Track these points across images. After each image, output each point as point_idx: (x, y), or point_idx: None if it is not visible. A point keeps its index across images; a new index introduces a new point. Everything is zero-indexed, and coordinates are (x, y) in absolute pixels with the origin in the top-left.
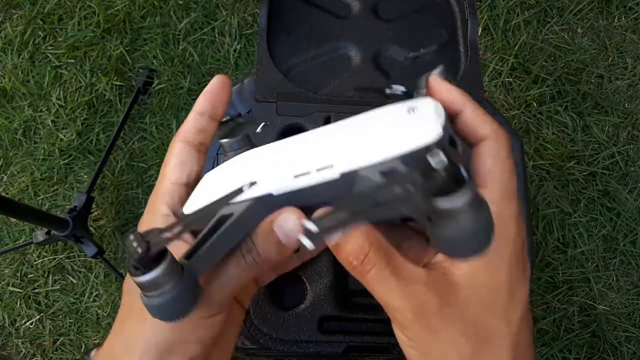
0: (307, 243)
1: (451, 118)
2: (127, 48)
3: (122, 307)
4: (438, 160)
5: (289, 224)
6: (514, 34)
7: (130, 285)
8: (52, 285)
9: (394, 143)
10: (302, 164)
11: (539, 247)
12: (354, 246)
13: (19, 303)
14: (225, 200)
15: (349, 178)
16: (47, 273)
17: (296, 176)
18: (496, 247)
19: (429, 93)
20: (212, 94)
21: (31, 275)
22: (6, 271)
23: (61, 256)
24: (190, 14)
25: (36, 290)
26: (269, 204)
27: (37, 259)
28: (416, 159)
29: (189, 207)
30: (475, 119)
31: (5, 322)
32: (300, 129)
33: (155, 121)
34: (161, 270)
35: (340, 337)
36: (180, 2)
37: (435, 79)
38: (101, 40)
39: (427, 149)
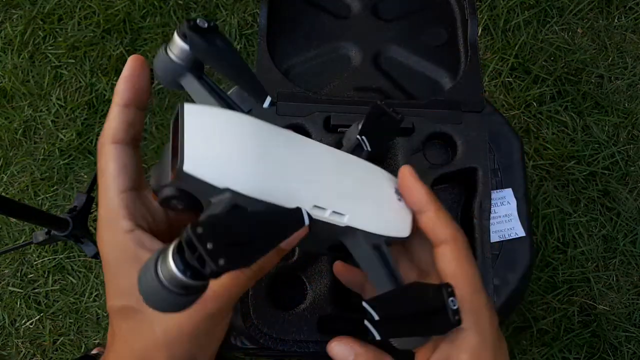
0: None
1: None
2: (127, 48)
3: (118, 335)
4: (454, 303)
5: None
6: (514, 34)
7: (122, 307)
8: (52, 285)
9: (389, 226)
10: (323, 199)
11: (539, 247)
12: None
13: (19, 303)
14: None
15: (348, 230)
16: (47, 273)
17: (315, 206)
18: (479, 338)
19: (399, 184)
20: (132, 79)
21: (31, 275)
22: (6, 271)
23: (61, 256)
24: (190, 14)
25: (36, 290)
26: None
27: (37, 259)
28: (392, 241)
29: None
30: (436, 221)
31: (5, 322)
32: (300, 129)
33: (155, 121)
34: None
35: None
36: (180, 2)
37: (406, 174)
38: (101, 40)
39: (401, 239)
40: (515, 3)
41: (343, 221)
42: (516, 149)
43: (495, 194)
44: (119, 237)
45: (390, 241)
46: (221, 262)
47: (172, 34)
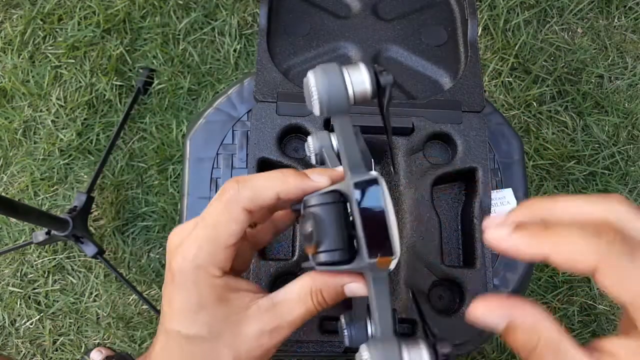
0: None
1: None
2: (127, 48)
3: (183, 355)
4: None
5: (356, 287)
6: (514, 33)
7: (193, 335)
8: (52, 285)
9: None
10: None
11: None
12: (523, 337)
13: (19, 303)
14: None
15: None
16: (47, 273)
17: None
18: None
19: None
20: (302, 191)
21: (31, 275)
22: (6, 271)
23: (61, 256)
24: (190, 13)
25: (36, 290)
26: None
27: (37, 259)
28: None
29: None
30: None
31: (5, 322)
32: (301, 129)
33: (155, 121)
34: None
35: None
36: (180, 2)
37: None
38: (101, 40)
39: None
40: (515, 3)
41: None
42: (516, 149)
43: (495, 194)
44: (210, 280)
45: None
46: None
47: (356, 64)
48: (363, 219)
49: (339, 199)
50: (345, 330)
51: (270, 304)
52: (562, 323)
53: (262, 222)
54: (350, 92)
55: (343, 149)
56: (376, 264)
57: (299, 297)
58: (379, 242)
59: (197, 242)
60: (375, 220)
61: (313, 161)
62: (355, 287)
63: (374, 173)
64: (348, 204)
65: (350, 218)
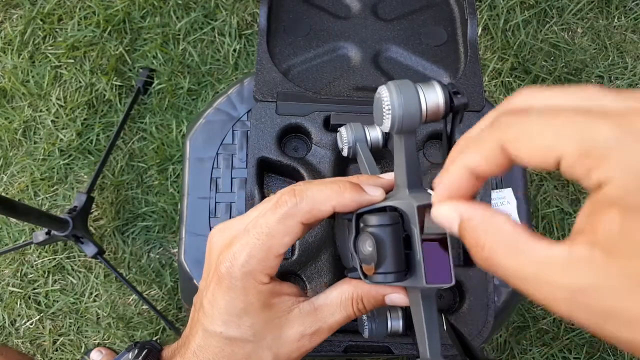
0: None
1: None
2: (127, 48)
3: (224, 355)
4: None
5: (398, 297)
6: (513, 33)
7: (234, 337)
8: (52, 285)
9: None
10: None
11: None
12: (472, 234)
13: (19, 303)
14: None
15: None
16: (47, 273)
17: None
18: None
19: None
20: (358, 205)
21: (31, 275)
22: (6, 271)
23: (61, 256)
24: (190, 14)
25: (36, 290)
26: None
27: (37, 259)
28: None
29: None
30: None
31: (5, 322)
32: (300, 129)
33: (155, 121)
34: None
35: (340, 336)
36: (180, 2)
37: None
38: (101, 40)
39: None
40: (515, 3)
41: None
42: None
43: (495, 194)
44: (258, 286)
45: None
46: None
47: (431, 83)
48: (425, 244)
49: (398, 220)
50: (365, 323)
51: (312, 307)
52: (562, 323)
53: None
54: (424, 110)
55: (404, 167)
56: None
57: (340, 302)
58: (438, 269)
59: (249, 249)
60: (435, 247)
61: (345, 153)
62: (396, 298)
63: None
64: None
65: (404, 235)
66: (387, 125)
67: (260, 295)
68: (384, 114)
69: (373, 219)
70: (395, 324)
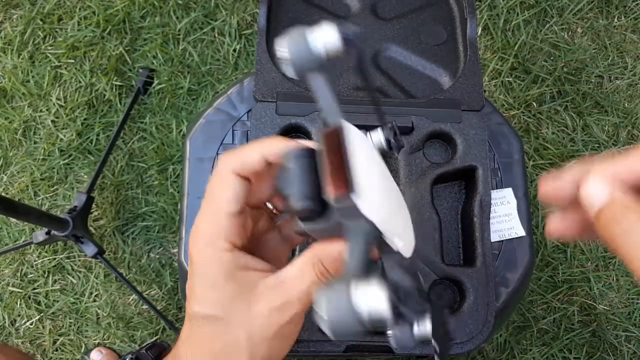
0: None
1: None
2: (127, 48)
3: (199, 336)
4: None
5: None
6: (513, 33)
7: (206, 315)
8: (52, 285)
9: (407, 249)
10: (398, 226)
11: (539, 247)
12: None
13: (19, 303)
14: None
15: (398, 257)
16: (47, 273)
17: (391, 234)
18: None
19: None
20: (281, 156)
21: (31, 275)
22: (6, 271)
23: (61, 256)
24: (190, 13)
25: (36, 290)
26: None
27: (37, 259)
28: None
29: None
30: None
31: (5, 322)
32: (300, 129)
33: (155, 121)
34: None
35: None
36: (180, 2)
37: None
38: (101, 40)
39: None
40: (515, 3)
41: (397, 247)
42: (516, 149)
43: (495, 194)
44: (218, 254)
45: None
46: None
47: (319, 25)
48: (328, 158)
49: (311, 154)
50: (390, 332)
51: (277, 281)
52: (562, 323)
53: (269, 200)
54: (320, 48)
55: (320, 105)
56: (343, 208)
57: (301, 270)
58: (339, 177)
59: (201, 218)
60: (336, 157)
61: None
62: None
63: (342, 122)
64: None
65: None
66: (289, 70)
67: (223, 267)
68: (283, 60)
69: (287, 155)
70: (422, 328)
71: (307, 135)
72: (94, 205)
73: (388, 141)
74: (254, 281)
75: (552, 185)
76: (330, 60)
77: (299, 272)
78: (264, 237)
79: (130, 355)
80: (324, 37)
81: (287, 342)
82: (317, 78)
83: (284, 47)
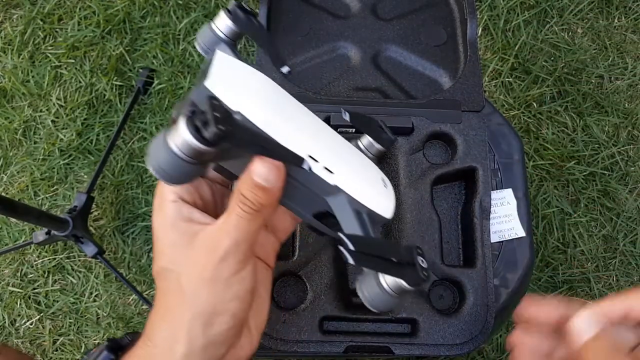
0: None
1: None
2: (127, 48)
3: (158, 294)
4: (424, 262)
5: (263, 169)
6: (514, 34)
7: (161, 268)
8: (52, 285)
9: (373, 199)
10: (318, 153)
11: (539, 247)
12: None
13: (19, 303)
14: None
15: (333, 190)
16: (47, 273)
17: (309, 156)
18: None
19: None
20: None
21: (31, 275)
22: (6, 271)
23: (61, 256)
24: (190, 13)
25: (36, 290)
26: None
27: (37, 259)
28: (374, 216)
29: (215, 82)
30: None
31: (5, 322)
32: None
33: (155, 121)
34: (215, 151)
35: (341, 337)
36: (180, 2)
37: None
38: (101, 40)
39: (382, 219)
40: (515, 3)
41: (332, 179)
42: (516, 149)
43: (495, 194)
44: (163, 205)
45: (374, 217)
46: (222, 127)
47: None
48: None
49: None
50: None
51: (215, 227)
52: None
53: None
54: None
55: None
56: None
57: (228, 209)
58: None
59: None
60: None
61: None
62: (259, 170)
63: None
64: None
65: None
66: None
67: (168, 216)
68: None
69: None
70: (389, 279)
71: None
72: (94, 205)
73: (377, 139)
74: (196, 232)
75: (537, 307)
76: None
77: (227, 212)
78: None
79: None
80: (218, 21)
81: (232, 290)
82: (221, 48)
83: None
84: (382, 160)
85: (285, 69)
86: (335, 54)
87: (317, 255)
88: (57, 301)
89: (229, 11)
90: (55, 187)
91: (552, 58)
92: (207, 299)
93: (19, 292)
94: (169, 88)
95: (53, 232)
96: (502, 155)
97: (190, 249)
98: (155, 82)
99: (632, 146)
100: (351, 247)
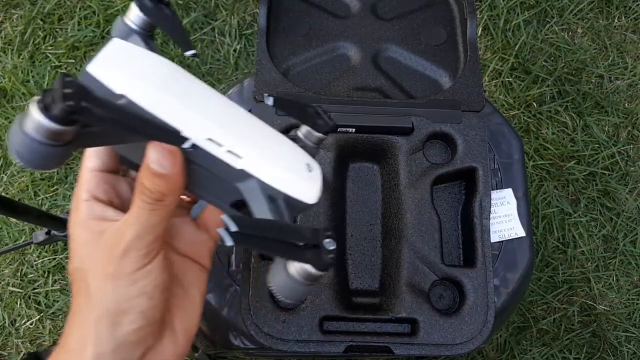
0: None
1: None
2: None
3: (72, 295)
4: (331, 244)
5: (156, 154)
6: (514, 34)
7: (73, 268)
8: (52, 285)
9: (289, 184)
10: (219, 135)
11: (539, 247)
12: None
13: (19, 303)
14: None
15: (241, 175)
16: (47, 273)
17: (209, 140)
18: None
19: None
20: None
21: (31, 275)
22: (6, 271)
23: (61, 256)
24: (190, 14)
25: (36, 290)
26: (170, 134)
27: (37, 259)
28: (292, 202)
29: (99, 68)
30: None
31: (5, 322)
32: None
33: None
34: (71, 130)
35: (341, 337)
36: (180, 2)
37: None
38: (101, 40)
39: (304, 204)
40: (515, 3)
41: (238, 164)
42: (516, 149)
43: (495, 194)
44: (77, 205)
45: (293, 203)
46: (71, 103)
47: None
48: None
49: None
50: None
51: (119, 223)
52: (562, 323)
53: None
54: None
55: None
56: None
57: (132, 202)
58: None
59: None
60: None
61: None
62: (152, 155)
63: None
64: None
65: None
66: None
67: (81, 216)
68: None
69: None
70: (296, 265)
71: None
72: None
73: (312, 125)
74: (105, 229)
75: None
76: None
77: (131, 205)
78: (175, 225)
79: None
80: (129, 12)
81: (137, 286)
82: (134, 39)
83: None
84: (382, 160)
85: (189, 53)
86: (335, 53)
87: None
88: (57, 301)
89: (138, 1)
90: (55, 187)
91: (552, 58)
92: (112, 297)
93: (19, 292)
94: None
95: (53, 232)
96: (502, 155)
97: (97, 247)
98: None
99: (632, 146)
100: (233, 228)
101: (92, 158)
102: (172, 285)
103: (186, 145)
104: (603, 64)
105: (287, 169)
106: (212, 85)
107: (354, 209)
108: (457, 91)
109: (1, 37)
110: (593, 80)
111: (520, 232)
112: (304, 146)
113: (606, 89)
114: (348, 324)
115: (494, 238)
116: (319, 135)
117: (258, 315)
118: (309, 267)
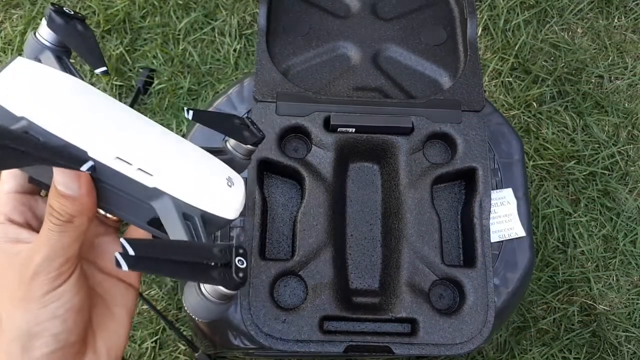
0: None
1: None
2: (127, 48)
3: None
4: (241, 262)
5: (62, 176)
6: (514, 33)
7: None
8: None
9: (205, 199)
10: (128, 153)
11: (539, 247)
12: None
13: None
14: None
15: (154, 193)
16: None
17: (118, 158)
18: None
19: None
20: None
21: None
22: None
23: None
24: (190, 13)
25: None
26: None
27: None
28: (211, 218)
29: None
30: None
31: None
32: (300, 129)
33: (155, 121)
34: None
35: (341, 336)
36: (180, 2)
37: None
38: (101, 40)
39: (224, 220)
40: (515, 3)
41: (150, 182)
42: (516, 149)
43: (495, 194)
44: None
45: (211, 219)
46: None
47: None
48: None
49: None
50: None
51: (29, 246)
52: (562, 323)
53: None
54: None
55: None
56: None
57: (44, 222)
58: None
59: None
60: None
61: None
62: (58, 177)
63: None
64: None
65: None
66: None
67: None
68: None
69: None
70: (207, 285)
71: (307, 136)
72: None
73: (238, 137)
74: (19, 252)
75: None
76: None
77: (42, 227)
78: (100, 244)
79: None
80: (40, 28)
81: (48, 309)
82: (46, 56)
83: None
84: (382, 160)
85: (99, 70)
86: (335, 53)
87: (317, 255)
88: None
89: (48, 16)
90: None
91: (552, 58)
92: (22, 321)
93: None
94: (169, 88)
95: None
96: (502, 155)
97: (9, 270)
98: (155, 82)
99: (632, 146)
100: (131, 252)
101: (8, 180)
102: (95, 305)
103: (84, 168)
104: (603, 64)
105: (203, 184)
106: (212, 86)
107: (354, 209)
108: (457, 91)
109: (1, 37)
110: (593, 80)
111: (520, 232)
112: (232, 159)
113: (606, 89)
114: (348, 324)
115: (494, 238)
116: (248, 147)
117: (258, 315)
118: (220, 287)
